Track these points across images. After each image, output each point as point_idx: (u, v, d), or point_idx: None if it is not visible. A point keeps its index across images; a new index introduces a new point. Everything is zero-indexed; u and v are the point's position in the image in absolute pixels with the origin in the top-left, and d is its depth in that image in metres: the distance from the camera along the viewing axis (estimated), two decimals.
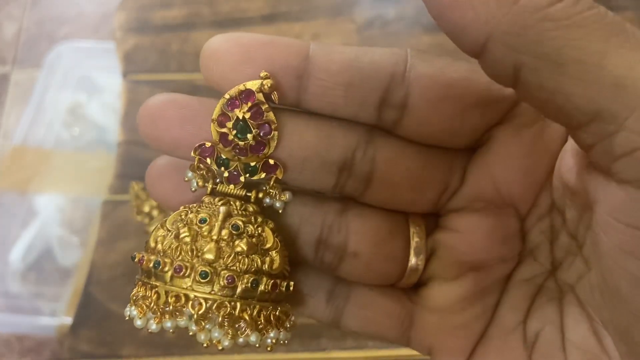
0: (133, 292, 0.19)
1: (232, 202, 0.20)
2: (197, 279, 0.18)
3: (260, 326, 0.18)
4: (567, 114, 0.15)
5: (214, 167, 0.20)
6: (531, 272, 0.21)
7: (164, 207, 0.21)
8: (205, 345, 0.18)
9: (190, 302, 0.17)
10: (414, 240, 0.22)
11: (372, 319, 0.22)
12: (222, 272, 0.18)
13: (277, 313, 0.19)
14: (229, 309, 0.18)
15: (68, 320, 0.48)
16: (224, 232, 0.18)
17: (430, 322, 0.22)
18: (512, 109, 0.20)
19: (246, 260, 0.18)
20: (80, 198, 0.56)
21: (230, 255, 0.18)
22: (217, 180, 0.20)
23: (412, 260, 0.22)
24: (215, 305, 0.18)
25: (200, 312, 0.17)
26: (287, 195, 0.20)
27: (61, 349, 0.47)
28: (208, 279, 0.18)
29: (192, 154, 0.19)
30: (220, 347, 0.18)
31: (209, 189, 0.20)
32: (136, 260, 0.19)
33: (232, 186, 0.20)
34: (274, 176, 0.20)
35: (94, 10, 0.65)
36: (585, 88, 0.14)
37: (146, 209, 0.50)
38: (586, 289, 0.19)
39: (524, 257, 0.22)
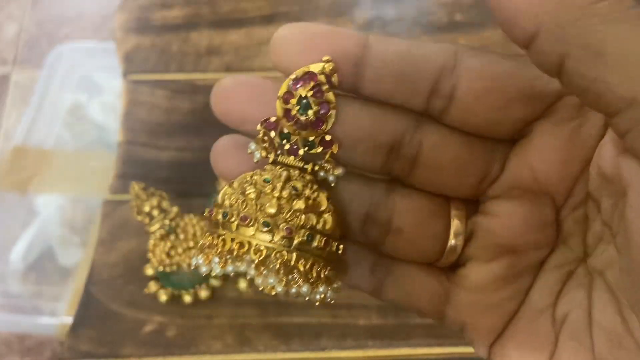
0: (201, 242, 0.21)
1: (291, 171, 0.21)
2: (259, 228, 0.20)
3: (312, 280, 0.20)
4: (606, 101, 0.16)
5: (277, 140, 0.22)
6: (564, 259, 0.22)
7: (228, 180, 0.22)
8: (261, 289, 0.20)
9: (252, 249, 0.19)
10: (454, 222, 0.23)
11: (410, 292, 0.23)
12: (282, 225, 0.20)
13: (326, 272, 0.21)
14: (285, 257, 0.20)
15: (68, 320, 0.48)
16: (285, 192, 0.20)
17: (465, 300, 0.23)
18: (553, 104, 0.21)
19: (303, 217, 0.20)
20: (81, 198, 0.56)
21: (289, 211, 0.20)
22: (279, 152, 0.22)
23: (452, 240, 0.23)
24: (273, 253, 0.19)
25: (260, 259, 0.19)
26: (340, 170, 0.22)
27: (61, 348, 0.47)
28: (269, 228, 0.20)
29: (258, 127, 0.21)
30: (273, 293, 0.20)
31: (271, 159, 0.22)
32: (206, 214, 0.21)
33: (292, 157, 0.22)
34: (330, 151, 0.22)
35: (95, 10, 0.65)
36: (623, 76, 0.15)
37: (146, 209, 0.50)
38: (616, 274, 0.20)
39: (558, 245, 0.22)
